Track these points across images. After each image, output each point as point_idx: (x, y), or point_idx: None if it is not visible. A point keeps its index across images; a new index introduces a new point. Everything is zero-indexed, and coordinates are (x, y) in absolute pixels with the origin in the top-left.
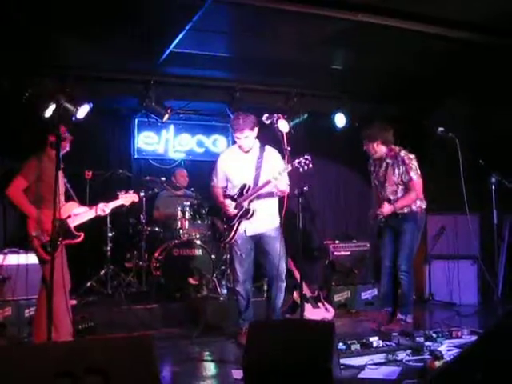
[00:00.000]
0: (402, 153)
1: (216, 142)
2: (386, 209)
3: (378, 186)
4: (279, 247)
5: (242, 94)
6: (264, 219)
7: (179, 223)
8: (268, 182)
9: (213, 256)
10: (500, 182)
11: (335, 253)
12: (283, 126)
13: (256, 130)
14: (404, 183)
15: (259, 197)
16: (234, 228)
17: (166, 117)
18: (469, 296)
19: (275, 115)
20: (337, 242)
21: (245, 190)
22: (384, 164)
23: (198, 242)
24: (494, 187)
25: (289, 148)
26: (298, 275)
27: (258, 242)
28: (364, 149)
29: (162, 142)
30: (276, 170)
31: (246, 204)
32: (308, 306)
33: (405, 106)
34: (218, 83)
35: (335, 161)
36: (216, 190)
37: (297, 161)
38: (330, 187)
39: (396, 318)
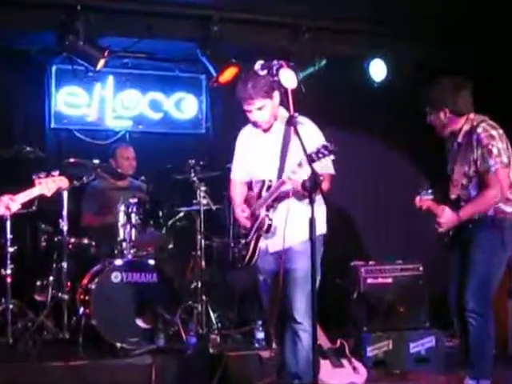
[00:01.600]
0: (480, 128)
1: (181, 104)
2: (446, 219)
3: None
4: (301, 269)
5: (222, 28)
6: (289, 229)
7: (122, 232)
8: (282, 184)
9: (175, 284)
10: None
11: (369, 280)
12: (287, 78)
13: (276, 95)
14: (479, 175)
15: (281, 199)
16: (252, 245)
17: (102, 63)
18: None
19: (275, 62)
20: (371, 262)
21: (264, 191)
22: (455, 144)
23: (152, 261)
24: None
25: (296, 115)
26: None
27: (280, 260)
28: (427, 121)
29: (95, 102)
30: (294, 164)
31: (262, 211)
32: (326, 364)
33: (485, 49)
34: (185, 10)
35: (371, 137)
36: (233, 188)
37: (313, 150)
38: (361, 178)
39: None
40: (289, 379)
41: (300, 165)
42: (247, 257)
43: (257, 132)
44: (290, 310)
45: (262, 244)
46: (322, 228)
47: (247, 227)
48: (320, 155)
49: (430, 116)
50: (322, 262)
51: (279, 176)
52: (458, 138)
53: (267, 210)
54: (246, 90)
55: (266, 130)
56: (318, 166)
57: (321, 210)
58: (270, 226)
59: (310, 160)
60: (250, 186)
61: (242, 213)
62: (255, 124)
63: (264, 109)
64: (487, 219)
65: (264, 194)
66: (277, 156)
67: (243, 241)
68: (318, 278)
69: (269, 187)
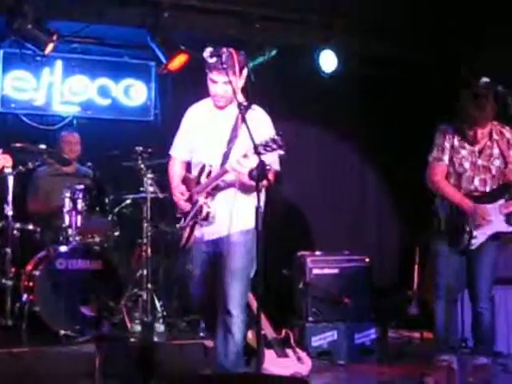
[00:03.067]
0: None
1: (129, 90)
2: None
3: (468, 173)
4: (239, 261)
5: (172, 15)
6: (227, 218)
7: (67, 218)
8: (224, 172)
9: (120, 272)
10: None
11: (315, 270)
12: None
13: (244, 76)
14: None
15: (221, 188)
16: (187, 231)
17: (51, 47)
18: None
19: (225, 50)
20: (318, 253)
21: (204, 176)
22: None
23: (98, 248)
24: None
25: (245, 104)
26: (254, 305)
27: (215, 251)
28: (471, 133)
29: (43, 87)
30: (240, 154)
31: (201, 198)
32: (270, 354)
33: (431, 44)
34: None
35: (320, 127)
36: (172, 166)
37: (262, 143)
38: (310, 169)
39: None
40: (217, 371)
41: (245, 156)
42: (182, 241)
43: (210, 109)
44: (224, 302)
45: (198, 232)
46: (249, 222)
47: (185, 211)
48: (268, 148)
49: (483, 127)
50: (265, 254)
51: (223, 163)
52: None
53: (206, 197)
54: (220, 60)
55: (221, 108)
56: (263, 159)
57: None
58: (208, 213)
59: (257, 152)
60: (187, 166)
61: (181, 195)
62: (214, 97)
63: (228, 85)
64: None
65: (203, 179)
66: (224, 140)
67: (178, 225)
68: (253, 271)
69: (209, 173)
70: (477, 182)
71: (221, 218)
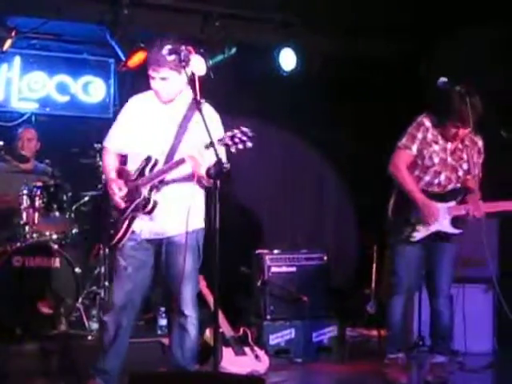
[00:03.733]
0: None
1: (88, 87)
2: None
3: (435, 168)
4: (189, 262)
5: (132, 12)
6: (173, 216)
7: (24, 215)
8: (181, 162)
9: (78, 270)
10: None
11: (273, 268)
12: (197, 65)
13: (184, 72)
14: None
15: (166, 182)
16: (124, 225)
17: (9, 43)
18: (479, 341)
19: (183, 48)
20: (276, 251)
21: (148, 168)
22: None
23: (55, 246)
24: None
25: (203, 101)
26: (211, 303)
27: (159, 250)
28: (453, 129)
29: (1, 83)
30: (200, 145)
31: (145, 190)
32: (228, 352)
33: (392, 42)
34: None
35: (279, 126)
36: (107, 157)
37: (229, 134)
38: (268, 167)
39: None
40: (175, 369)
41: (208, 146)
42: (116, 237)
43: (155, 102)
44: (178, 303)
45: (136, 227)
46: (199, 222)
47: (120, 207)
48: (236, 140)
49: (466, 127)
50: (227, 251)
51: (169, 156)
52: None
53: (151, 189)
54: (156, 56)
55: (165, 103)
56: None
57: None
58: (154, 207)
59: (224, 144)
60: (121, 159)
61: (118, 191)
62: (156, 93)
63: (168, 81)
64: None
65: (147, 171)
66: (171, 134)
67: (111, 220)
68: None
69: (154, 165)
70: (442, 177)
71: (170, 216)
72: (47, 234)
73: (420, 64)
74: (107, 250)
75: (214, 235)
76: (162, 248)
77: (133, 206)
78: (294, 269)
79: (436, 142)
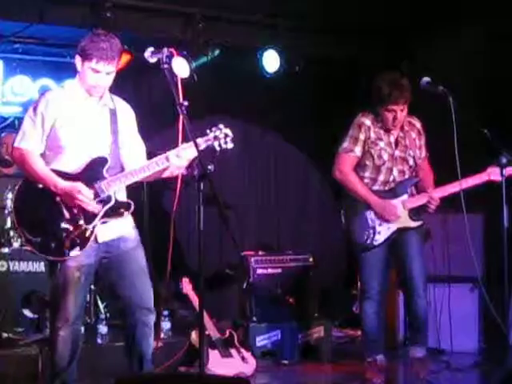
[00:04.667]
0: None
1: None
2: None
3: (387, 165)
4: (144, 258)
5: (115, 15)
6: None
7: (9, 220)
8: (165, 160)
9: None
10: None
11: (258, 270)
12: (180, 67)
13: (166, 73)
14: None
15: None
16: (93, 233)
17: None
18: (465, 339)
19: (166, 50)
20: (261, 253)
21: (105, 169)
22: (402, 133)
23: None
24: (505, 172)
25: (186, 103)
26: (197, 304)
27: (111, 252)
28: (395, 115)
29: None
30: (181, 146)
31: (113, 193)
32: (214, 354)
33: (374, 42)
34: None
35: (263, 128)
36: (31, 160)
37: (211, 134)
38: (253, 168)
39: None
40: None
41: (185, 148)
42: (83, 247)
43: (83, 96)
44: (143, 301)
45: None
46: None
47: (96, 212)
48: (221, 142)
49: (402, 109)
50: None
51: (114, 154)
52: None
53: (116, 192)
54: (105, 49)
55: (96, 98)
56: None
57: None
58: (128, 209)
59: (208, 147)
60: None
61: (88, 194)
62: (93, 89)
63: (111, 75)
64: None
65: (106, 172)
66: (107, 131)
67: (70, 227)
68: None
69: (109, 168)
70: (396, 172)
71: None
72: None
73: (401, 64)
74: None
75: (199, 238)
76: (113, 249)
77: (103, 211)
78: (279, 270)
79: (380, 139)
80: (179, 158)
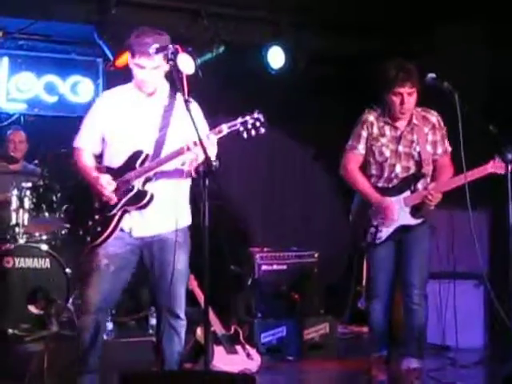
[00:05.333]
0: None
1: (77, 87)
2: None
3: (389, 161)
4: (183, 261)
5: (120, 11)
6: (165, 213)
7: (14, 216)
8: (182, 151)
9: (68, 270)
10: None
11: (264, 267)
12: (185, 63)
13: (171, 69)
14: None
15: (160, 175)
16: (113, 222)
17: None
18: (471, 336)
19: (171, 47)
20: (267, 249)
21: (139, 162)
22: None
23: (45, 247)
24: (510, 168)
25: (190, 100)
26: (202, 301)
27: (149, 249)
28: (402, 101)
29: None
30: (200, 132)
31: (138, 183)
32: (219, 351)
33: (378, 40)
34: None
35: (268, 124)
36: (81, 157)
37: (240, 120)
38: (258, 165)
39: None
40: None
41: (218, 132)
42: (104, 235)
43: (136, 94)
44: (172, 306)
45: (125, 225)
46: (189, 219)
47: (112, 202)
48: (249, 126)
49: (409, 93)
50: (218, 249)
51: (157, 149)
52: (414, 120)
53: (144, 183)
54: (146, 42)
55: (149, 95)
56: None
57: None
58: (150, 200)
59: (237, 132)
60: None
61: (108, 185)
62: (142, 84)
63: (158, 70)
64: None
65: (138, 165)
66: (155, 127)
67: (97, 216)
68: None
69: (145, 158)
70: (398, 169)
71: (160, 213)
72: (37, 234)
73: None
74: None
75: (204, 234)
76: (152, 246)
77: (124, 200)
78: (284, 267)
79: (383, 135)
80: (198, 146)
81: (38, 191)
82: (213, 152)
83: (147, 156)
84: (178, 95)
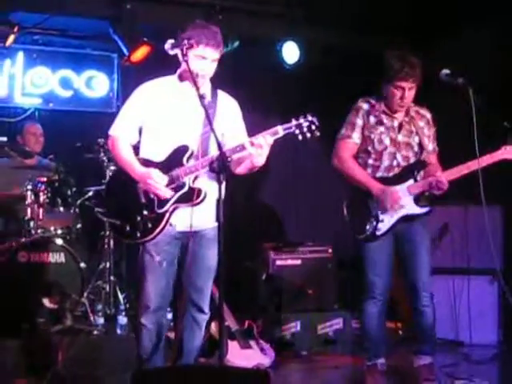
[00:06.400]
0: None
1: (92, 82)
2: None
3: (389, 149)
4: (216, 258)
5: (135, 7)
6: (207, 209)
7: (29, 211)
8: (244, 149)
9: (83, 264)
10: None
11: (278, 262)
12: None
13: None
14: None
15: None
16: (165, 219)
17: (12, 39)
18: (484, 331)
19: (186, 42)
20: (281, 244)
21: (186, 157)
22: (407, 118)
23: (60, 241)
24: None
25: (205, 95)
26: (217, 296)
27: (187, 243)
28: (402, 95)
29: (4, 79)
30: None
31: (189, 180)
32: (234, 345)
33: (392, 37)
34: None
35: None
36: (118, 146)
37: (294, 122)
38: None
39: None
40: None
41: (275, 133)
42: (156, 231)
43: (183, 87)
44: (198, 300)
45: (173, 220)
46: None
47: (167, 198)
48: (304, 129)
49: (410, 88)
50: (232, 245)
51: (203, 145)
52: (411, 112)
53: (194, 179)
54: (215, 36)
55: (197, 88)
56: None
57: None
58: (204, 197)
59: (290, 132)
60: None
61: (160, 179)
62: (197, 76)
63: (215, 63)
64: None
65: (186, 161)
66: (200, 122)
67: (146, 211)
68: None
69: (191, 154)
70: (400, 158)
71: (202, 209)
72: (52, 229)
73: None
74: (112, 245)
75: (219, 228)
76: (190, 241)
77: (176, 197)
78: (298, 262)
79: (381, 123)
80: (254, 147)
81: (52, 186)
82: (265, 153)
83: (192, 152)
84: (221, 93)
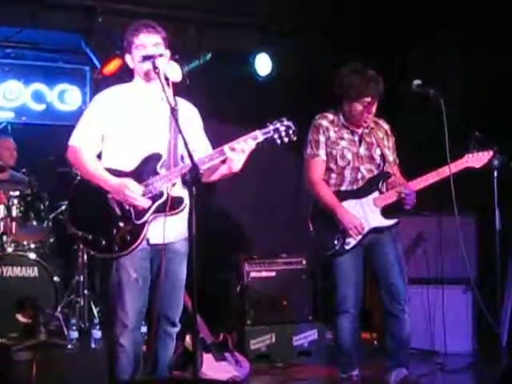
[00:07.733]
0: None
1: (64, 95)
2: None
3: (352, 164)
4: (185, 271)
5: (106, 20)
6: (179, 221)
7: (2, 225)
8: (221, 154)
9: (56, 278)
10: (508, 167)
11: (252, 274)
12: (172, 71)
13: (168, 51)
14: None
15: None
16: (144, 230)
17: None
18: (459, 341)
19: (158, 54)
20: (255, 256)
21: (159, 165)
22: (367, 130)
23: (33, 255)
24: (496, 174)
25: (177, 107)
26: (191, 308)
27: (158, 257)
28: (368, 111)
29: None
30: (243, 139)
31: (166, 189)
32: (209, 358)
33: (365, 46)
34: (70, 0)
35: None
36: (82, 157)
37: (271, 127)
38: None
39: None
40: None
41: (255, 138)
42: (135, 244)
43: (141, 94)
44: (171, 314)
45: (149, 233)
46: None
47: (146, 208)
48: (282, 134)
49: (372, 105)
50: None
51: (171, 152)
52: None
53: (171, 188)
54: (144, 24)
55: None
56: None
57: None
58: (185, 206)
59: (268, 139)
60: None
61: (136, 189)
62: (146, 75)
63: (161, 46)
64: None
65: (160, 168)
66: (165, 128)
67: (122, 223)
68: None
69: (164, 162)
70: (364, 171)
71: (176, 221)
72: (25, 243)
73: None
74: (85, 259)
75: (192, 242)
76: (161, 255)
77: (154, 206)
78: (273, 273)
79: (342, 138)
80: (234, 152)
81: (25, 200)
82: (244, 158)
83: (165, 160)
84: (179, 99)
